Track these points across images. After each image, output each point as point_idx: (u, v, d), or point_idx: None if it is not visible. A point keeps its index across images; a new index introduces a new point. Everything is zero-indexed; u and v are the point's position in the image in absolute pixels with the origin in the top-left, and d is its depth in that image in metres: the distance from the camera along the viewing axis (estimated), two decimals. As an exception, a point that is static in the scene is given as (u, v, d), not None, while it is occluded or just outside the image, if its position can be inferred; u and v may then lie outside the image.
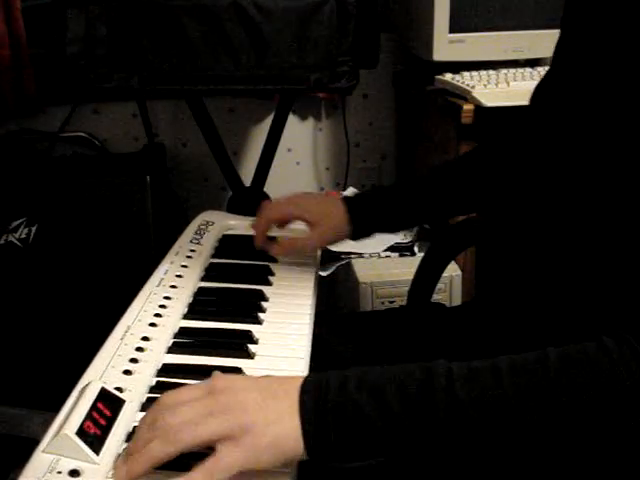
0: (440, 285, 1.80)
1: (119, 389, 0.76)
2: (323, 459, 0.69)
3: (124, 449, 0.68)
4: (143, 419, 0.70)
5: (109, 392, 0.73)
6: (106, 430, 0.69)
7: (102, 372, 0.78)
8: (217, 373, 0.73)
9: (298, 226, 1.16)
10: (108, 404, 0.72)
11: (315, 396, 0.68)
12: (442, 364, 0.70)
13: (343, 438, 0.67)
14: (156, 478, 0.67)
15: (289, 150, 2.37)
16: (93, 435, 0.67)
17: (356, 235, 1.14)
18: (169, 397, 0.70)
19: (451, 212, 1.26)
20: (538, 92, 1.04)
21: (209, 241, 1.18)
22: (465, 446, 0.68)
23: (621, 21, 0.77)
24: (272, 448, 0.66)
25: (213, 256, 1.15)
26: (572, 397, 0.66)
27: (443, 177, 1.15)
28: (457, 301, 1.88)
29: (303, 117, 2.37)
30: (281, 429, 0.67)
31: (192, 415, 0.67)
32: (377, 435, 0.67)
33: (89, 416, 0.68)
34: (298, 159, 2.41)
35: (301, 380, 0.70)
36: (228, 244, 1.20)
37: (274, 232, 1.16)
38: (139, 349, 0.84)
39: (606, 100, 0.78)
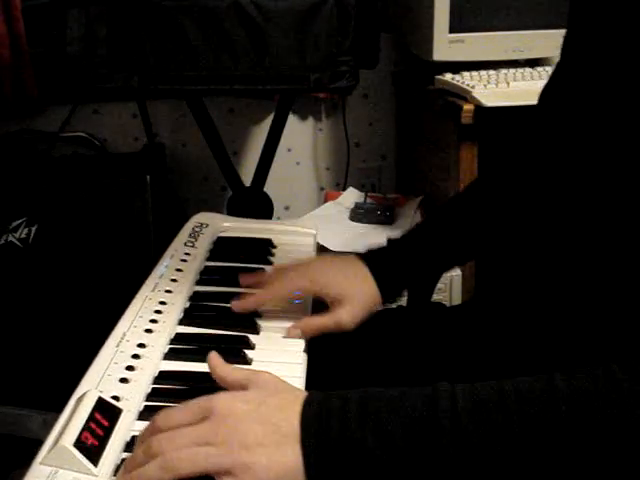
0: (440, 285, 1.81)
1: (116, 398, 0.75)
2: None
3: (124, 463, 0.68)
4: (140, 437, 0.69)
5: (106, 401, 0.73)
6: (104, 440, 0.69)
7: (98, 381, 0.78)
8: (218, 395, 0.71)
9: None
10: (105, 414, 0.71)
11: (317, 435, 0.66)
12: (446, 393, 0.67)
13: (345, 474, 0.65)
14: None
15: (289, 150, 2.37)
16: (91, 446, 0.67)
17: (386, 301, 1.02)
18: (166, 418, 0.69)
19: (475, 249, 1.13)
20: (546, 94, 1.04)
21: (203, 244, 1.17)
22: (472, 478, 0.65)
23: (628, 18, 0.76)
24: None
25: (208, 259, 1.14)
26: (582, 432, 0.63)
27: (457, 218, 1.08)
28: (457, 301, 1.88)
29: (303, 117, 2.37)
30: (283, 468, 0.65)
31: (190, 443, 0.66)
32: (381, 471, 0.65)
33: (86, 427, 0.68)
34: (298, 159, 2.41)
35: (302, 408, 0.68)
36: (223, 246, 1.19)
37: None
38: (135, 356, 0.84)
39: (615, 100, 0.77)
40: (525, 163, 1.06)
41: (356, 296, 0.97)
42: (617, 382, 0.64)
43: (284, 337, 0.93)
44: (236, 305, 0.97)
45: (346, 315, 0.95)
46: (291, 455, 0.66)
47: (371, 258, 1.02)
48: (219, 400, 0.69)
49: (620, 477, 0.65)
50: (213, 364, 0.76)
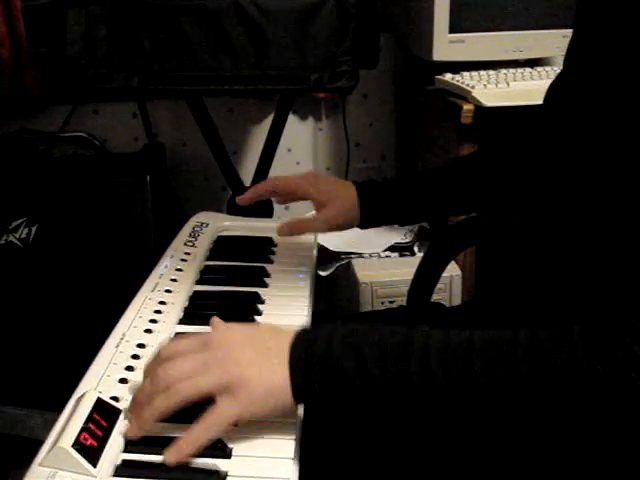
0: (440, 285, 1.80)
1: (115, 398, 0.75)
2: (310, 408, 0.75)
3: (133, 395, 0.74)
4: (146, 368, 0.76)
5: (105, 402, 0.73)
6: (103, 441, 0.69)
7: (98, 381, 0.78)
8: (216, 322, 0.79)
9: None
10: (104, 414, 0.71)
11: (303, 351, 0.73)
12: (422, 331, 0.73)
13: (326, 390, 0.72)
14: (161, 430, 0.72)
15: (289, 150, 2.37)
16: (89, 447, 0.67)
17: (365, 222, 1.13)
18: (167, 349, 0.76)
19: (457, 208, 1.24)
20: (551, 94, 1.04)
21: (203, 243, 1.18)
22: (436, 413, 0.73)
23: (633, 21, 0.76)
24: (265, 400, 0.72)
25: (208, 258, 1.14)
26: (534, 380, 0.69)
27: (452, 173, 1.15)
28: (457, 301, 1.88)
29: (303, 117, 2.37)
30: (273, 382, 0.72)
31: (190, 368, 0.72)
32: (356, 391, 0.72)
33: (85, 428, 0.68)
34: (298, 159, 2.41)
35: (293, 335, 0.75)
36: (223, 246, 1.20)
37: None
38: (135, 357, 0.84)
39: (619, 101, 0.78)
40: (526, 159, 1.07)
41: (337, 204, 1.11)
42: (572, 337, 0.69)
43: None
44: (241, 198, 1.14)
45: (323, 219, 1.11)
46: (280, 372, 0.72)
47: (363, 183, 1.14)
48: (216, 331, 0.78)
49: (571, 426, 0.73)
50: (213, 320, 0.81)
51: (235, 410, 0.71)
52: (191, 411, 0.71)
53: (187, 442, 0.69)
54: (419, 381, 0.70)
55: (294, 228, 1.14)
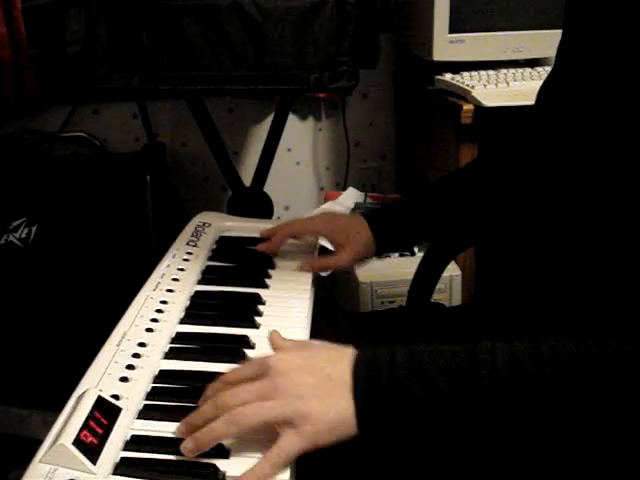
0: (440, 285, 1.80)
1: (116, 397, 0.76)
2: (377, 439, 0.73)
3: (188, 418, 0.73)
4: (205, 394, 0.76)
5: (106, 400, 0.73)
6: (103, 439, 0.69)
7: (98, 380, 0.78)
8: (274, 354, 0.78)
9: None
10: (105, 412, 0.72)
11: (367, 382, 0.72)
12: (487, 343, 0.72)
13: (395, 420, 0.71)
14: (162, 428, 0.73)
15: (289, 150, 2.37)
16: (90, 444, 0.67)
17: (379, 251, 1.16)
18: (231, 375, 0.76)
19: (465, 225, 1.20)
20: (542, 94, 1.04)
21: (206, 243, 1.18)
22: (505, 431, 0.70)
23: (623, 20, 0.76)
24: (329, 432, 0.71)
25: (210, 258, 1.14)
26: (609, 390, 0.68)
27: (453, 189, 1.17)
28: (457, 301, 1.88)
29: (303, 117, 2.37)
30: (337, 415, 0.71)
31: (251, 398, 0.72)
32: (425, 415, 0.70)
33: (86, 425, 0.68)
34: (298, 159, 2.41)
35: (352, 361, 0.73)
36: (225, 246, 1.20)
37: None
38: (136, 355, 0.84)
39: (611, 100, 0.78)
40: (522, 161, 1.07)
41: (355, 242, 1.14)
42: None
43: (288, 336, 0.94)
44: (261, 246, 1.16)
45: (346, 257, 1.14)
46: (343, 403, 0.71)
47: (372, 215, 1.17)
48: (274, 358, 0.76)
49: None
50: (272, 336, 0.83)
51: (300, 445, 0.70)
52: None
53: (252, 478, 0.69)
54: (491, 398, 0.69)
55: (318, 268, 1.15)
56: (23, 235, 1.81)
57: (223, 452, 0.71)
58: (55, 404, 0.77)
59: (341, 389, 0.72)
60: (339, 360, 0.74)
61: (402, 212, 1.18)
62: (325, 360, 0.75)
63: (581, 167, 0.83)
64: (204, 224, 1.23)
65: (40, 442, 0.68)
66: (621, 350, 0.69)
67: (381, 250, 1.16)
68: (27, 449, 0.73)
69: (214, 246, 1.19)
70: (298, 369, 0.74)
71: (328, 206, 2.13)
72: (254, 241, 1.21)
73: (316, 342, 0.81)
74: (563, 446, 0.74)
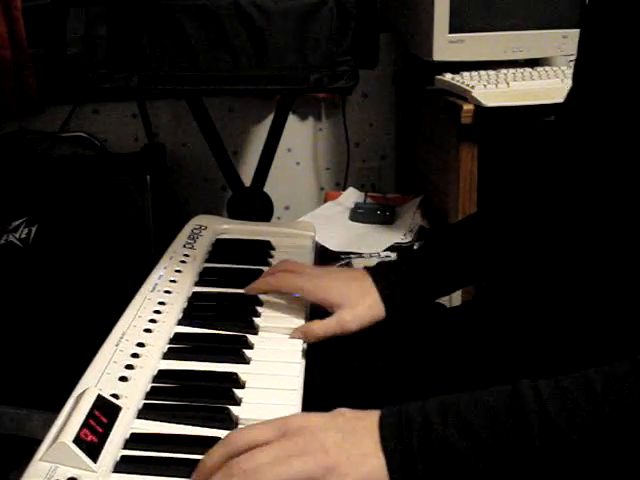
0: (440, 285, 1.80)
1: (115, 396, 0.76)
2: None
3: None
4: (210, 455, 0.67)
5: (105, 399, 0.73)
6: (103, 437, 0.69)
7: (98, 379, 0.78)
8: (293, 414, 0.73)
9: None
10: (104, 411, 0.72)
11: (398, 435, 0.66)
12: (527, 383, 0.67)
13: (433, 476, 0.65)
14: (162, 428, 0.72)
15: (289, 150, 2.37)
16: (90, 443, 0.67)
17: (390, 313, 1.00)
18: (241, 438, 0.68)
19: (479, 273, 1.10)
20: (562, 115, 1.03)
21: (203, 245, 1.18)
22: (562, 472, 0.65)
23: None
24: None
25: (207, 260, 1.15)
26: None
27: (465, 237, 1.07)
28: (457, 302, 1.87)
29: (303, 117, 2.37)
30: (365, 470, 0.65)
31: (272, 460, 0.65)
32: (470, 469, 0.65)
33: (86, 424, 0.68)
34: (298, 159, 2.41)
35: (378, 415, 0.69)
36: (222, 248, 1.20)
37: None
38: (134, 355, 0.84)
39: (634, 119, 0.77)
40: (534, 177, 1.06)
41: (359, 302, 0.97)
42: None
43: (286, 336, 0.94)
44: (248, 288, 1.01)
45: (350, 317, 0.96)
46: (372, 456, 0.66)
47: (377, 273, 1.02)
48: (294, 417, 0.71)
49: None
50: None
51: None
52: None
53: None
54: (542, 438, 0.63)
55: (322, 334, 0.96)
56: (23, 235, 1.81)
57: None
58: (55, 404, 0.77)
59: (369, 444, 0.66)
60: (365, 417, 0.69)
61: (412, 268, 1.03)
62: (350, 417, 0.69)
63: (595, 182, 0.83)
64: (200, 227, 1.24)
65: (40, 442, 0.68)
66: None
67: (392, 310, 1.00)
68: (27, 449, 0.73)
69: (211, 249, 1.19)
70: (320, 425, 0.68)
71: (328, 206, 2.14)
72: (251, 243, 1.21)
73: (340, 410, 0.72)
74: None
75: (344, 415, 0.70)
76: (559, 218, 0.94)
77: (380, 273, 1.02)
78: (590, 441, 0.63)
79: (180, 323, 0.95)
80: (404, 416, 0.67)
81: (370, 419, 0.68)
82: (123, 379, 0.79)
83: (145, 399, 0.78)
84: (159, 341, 0.89)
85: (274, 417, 0.72)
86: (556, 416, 0.64)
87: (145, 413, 0.76)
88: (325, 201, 2.19)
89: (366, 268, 1.03)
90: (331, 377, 0.97)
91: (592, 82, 0.88)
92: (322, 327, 0.95)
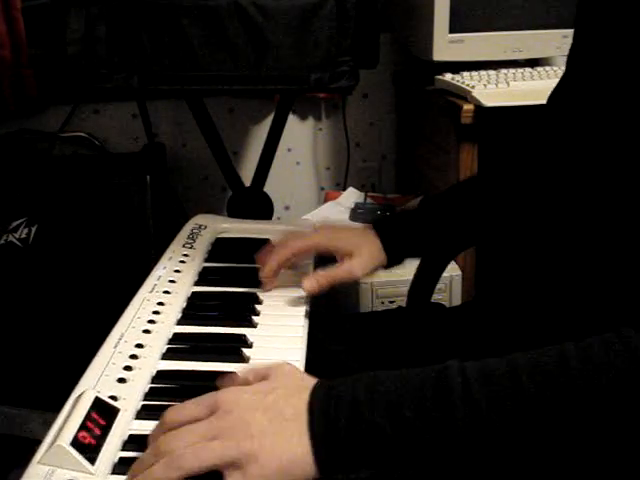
0: (440, 285, 1.80)
1: (113, 398, 0.76)
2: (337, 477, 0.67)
3: (132, 465, 0.67)
4: (150, 437, 0.69)
5: (103, 401, 0.73)
6: (101, 440, 0.69)
7: (96, 381, 0.78)
8: (224, 389, 0.71)
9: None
10: (102, 413, 0.71)
11: (325, 419, 0.66)
12: (455, 366, 0.68)
13: (359, 458, 0.65)
14: None
15: (289, 150, 2.37)
16: (88, 445, 0.67)
17: (390, 263, 1.07)
18: (172, 415, 0.69)
19: (475, 234, 1.16)
20: (553, 99, 1.04)
21: (202, 245, 1.18)
22: (485, 452, 0.65)
23: (635, 26, 0.76)
24: (280, 474, 0.64)
25: (206, 260, 1.14)
26: (593, 391, 0.64)
27: (463, 197, 1.12)
28: (457, 301, 1.88)
29: (303, 117, 2.37)
30: (290, 455, 0.65)
31: (195, 438, 0.65)
32: (395, 450, 0.65)
33: (83, 426, 0.68)
34: (298, 159, 2.41)
35: (309, 394, 0.68)
36: (221, 247, 1.20)
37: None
38: (133, 356, 0.84)
39: (622, 106, 0.77)
40: (527, 163, 1.06)
41: (364, 250, 1.04)
42: (629, 341, 0.65)
43: (286, 335, 0.94)
44: (263, 275, 1.04)
45: (357, 265, 1.02)
46: (297, 441, 0.65)
47: (379, 225, 1.09)
48: (224, 394, 0.70)
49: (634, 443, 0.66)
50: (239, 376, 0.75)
51: None
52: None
53: None
54: (465, 419, 0.64)
55: (326, 282, 1.01)
56: (23, 235, 1.81)
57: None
58: (54, 404, 0.77)
59: (294, 425, 0.66)
60: (295, 395, 0.68)
61: (411, 220, 1.11)
62: (281, 395, 0.69)
63: (586, 170, 0.83)
64: (200, 226, 1.23)
65: (40, 442, 0.68)
66: (600, 346, 0.65)
67: (392, 260, 1.07)
68: (27, 449, 0.73)
69: (210, 248, 1.19)
70: (248, 405, 0.67)
71: (328, 206, 2.13)
72: (250, 242, 1.21)
73: (285, 368, 0.74)
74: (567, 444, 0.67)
75: (275, 394, 0.69)
76: (550, 204, 0.94)
77: (382, 225, 1.09)
78: (514, 422, 0.64)
79: (179, 323, 0.95)
80: (333, 401, 0.67)
81: (300, 401, 0.68)
82: (121, 380, 0.79)
83: (143, 400, 0.78)
84: (158, 342, 0.88)
85: None
86: (479, 397, 0.64)
87: (144, 414, 0.76)
88: (325, 201, 2.19)
89: (370, 223, 1.10)
90: (331, 377, 0.97)
91: (586, 67, 0.88)
92: (331, 273, 1.01)
